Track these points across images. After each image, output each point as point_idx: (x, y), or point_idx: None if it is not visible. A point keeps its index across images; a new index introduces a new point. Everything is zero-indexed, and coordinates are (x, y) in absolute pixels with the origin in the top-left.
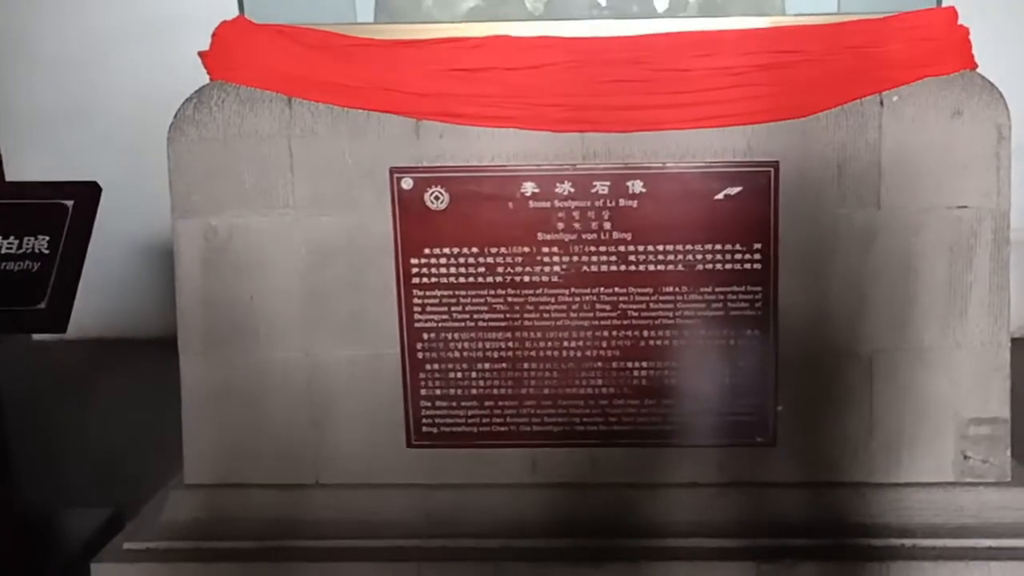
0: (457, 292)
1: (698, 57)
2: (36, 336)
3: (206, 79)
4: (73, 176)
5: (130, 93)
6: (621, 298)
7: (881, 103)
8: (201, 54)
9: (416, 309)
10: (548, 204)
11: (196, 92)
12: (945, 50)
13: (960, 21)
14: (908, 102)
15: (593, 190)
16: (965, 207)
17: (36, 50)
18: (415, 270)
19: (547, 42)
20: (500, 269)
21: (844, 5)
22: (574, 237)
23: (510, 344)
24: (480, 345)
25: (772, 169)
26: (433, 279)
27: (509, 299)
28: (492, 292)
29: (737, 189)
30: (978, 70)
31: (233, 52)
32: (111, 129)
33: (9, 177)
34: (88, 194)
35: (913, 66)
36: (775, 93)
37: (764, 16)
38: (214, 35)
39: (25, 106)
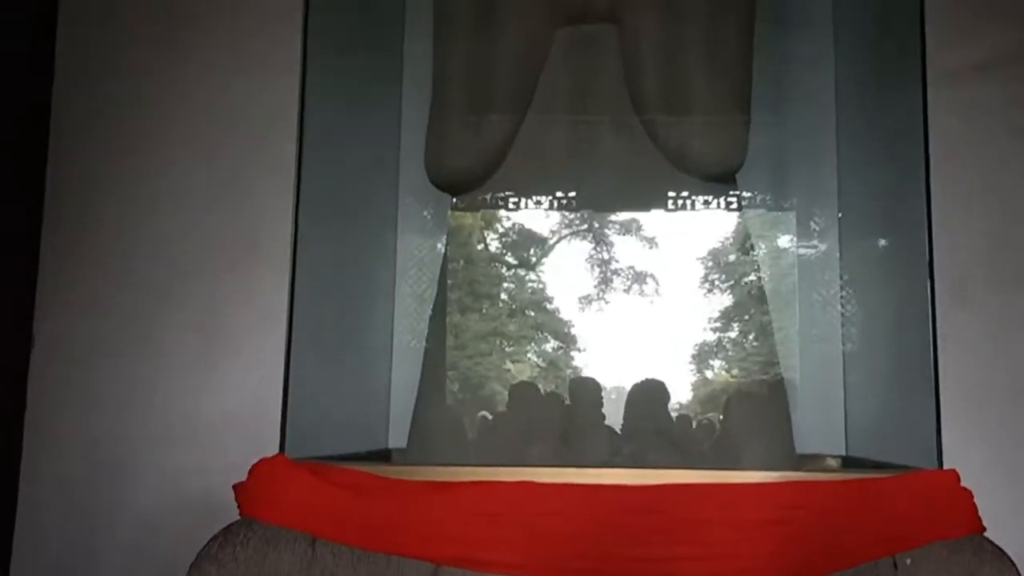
0: None
1: (714, 509)
2: None
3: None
4: None
5: (155, 499)
6: None
7: (895, 566)
8: (235, 487)
9: None
10: None
11: (223, 530)
12: (951, 513)
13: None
14: (921, 566)
15: None
16: None
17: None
18: None
19: (568, 490)
20: None
21: (851, 447)
22: None
23: None
24: None
25: None
26: None
27: None
28: None
29: None
30: (986, 534)
31: (266, 490)
32: (129, 538)
33: None
34: None
35: (921, 528)
36: (791, 550)
37: (776, 471)
38: (251, 472)
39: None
